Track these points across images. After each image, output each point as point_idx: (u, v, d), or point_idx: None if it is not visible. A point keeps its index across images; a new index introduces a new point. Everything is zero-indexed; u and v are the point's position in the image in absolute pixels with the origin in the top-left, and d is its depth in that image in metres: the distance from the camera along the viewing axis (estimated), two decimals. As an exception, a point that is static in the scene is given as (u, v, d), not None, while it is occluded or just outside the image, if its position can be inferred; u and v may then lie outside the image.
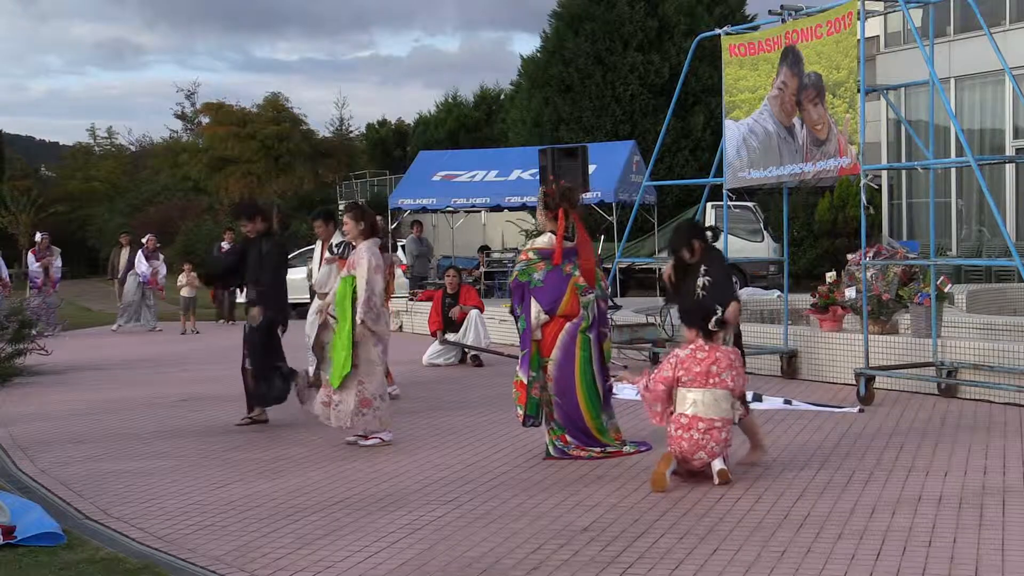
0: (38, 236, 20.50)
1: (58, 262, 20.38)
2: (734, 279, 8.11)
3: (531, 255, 7.63)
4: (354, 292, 8.06)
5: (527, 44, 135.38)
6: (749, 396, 9.66)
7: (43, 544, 5.64)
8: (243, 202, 9.78)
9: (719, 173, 11.67)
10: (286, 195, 46.49)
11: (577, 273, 7.53)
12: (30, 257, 19.65)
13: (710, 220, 21.12)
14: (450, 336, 13.44)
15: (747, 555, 5.25)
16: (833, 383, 10.78)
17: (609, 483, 6.80)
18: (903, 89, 19.31)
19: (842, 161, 10.00)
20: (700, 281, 7.50)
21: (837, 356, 10.88)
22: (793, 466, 7.12)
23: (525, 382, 7.50)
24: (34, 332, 12.68)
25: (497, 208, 22.14)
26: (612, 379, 7.65)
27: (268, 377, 9.05)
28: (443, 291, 13.84)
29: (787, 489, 6.43)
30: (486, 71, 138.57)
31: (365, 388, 8.06)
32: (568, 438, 7.55)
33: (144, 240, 20.45)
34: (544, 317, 7.46)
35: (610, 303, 14.85)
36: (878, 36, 25.06)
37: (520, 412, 7.59)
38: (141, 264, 19.67)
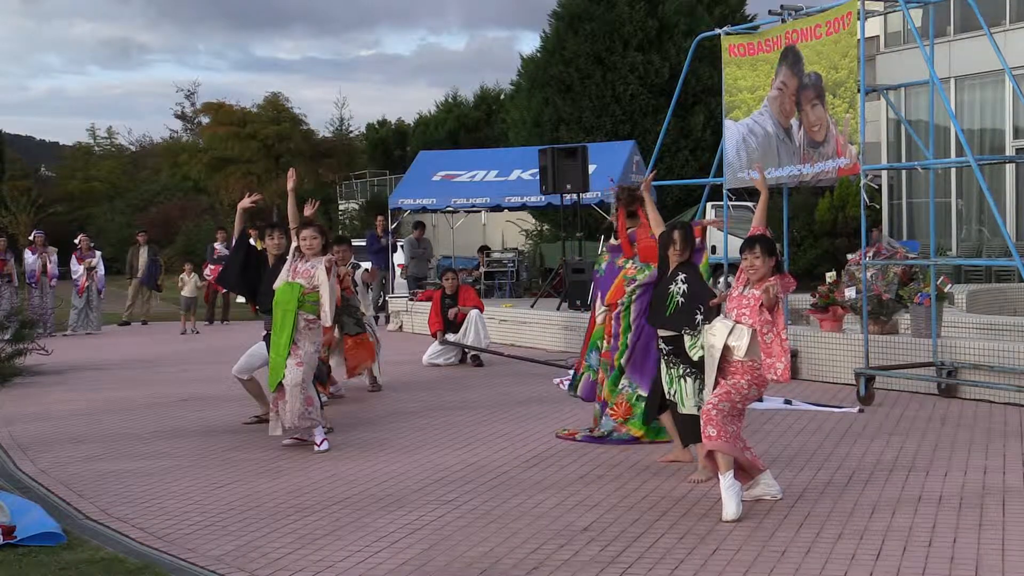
0: (78, 239, 20.42)
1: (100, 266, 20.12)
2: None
3: (603, 248, 8.59)
4: (301, 297, 8.09)
5: (533, 43, 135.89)
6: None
7: (43, 544, 5.64)
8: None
9: (719, 173, 11.67)
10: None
11: (628, 265, 8.14)
12: (27, 254, 19.58)
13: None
14: (450, 336, 13.44)
15: (747, 555, 5.26)
16: (833, 383, 10.78)
17: (609, 483, 6.80)
18: (903, 89, 19.30)
19: (840, 162, 10.00)
20: (678, 287, 6.91)
21: (837, 356, 10.88)
22: (793, 466, 7.12)
23: (581, 360, 8.51)
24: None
25: (497, 208, 22.08)
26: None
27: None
28: (442, 292, 13.83)
29: (787, 489, 6.43)
30: (491, 70, 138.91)
31: (307, 387, 8.11)
32: (596, 423, 8.25)
33: (77, 240, 20.30)
34: (602, 307, 8.21)
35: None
36: (878, 36, 25.05)
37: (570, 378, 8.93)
38: (76, 267, 19.57)
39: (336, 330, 10.36)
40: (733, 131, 11.25)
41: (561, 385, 11.14)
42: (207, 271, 20.43)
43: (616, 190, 8.59)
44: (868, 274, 10.53)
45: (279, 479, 7.18)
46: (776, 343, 6.07)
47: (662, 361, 7.13)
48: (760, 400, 9.58)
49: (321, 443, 8.09)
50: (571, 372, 11.27)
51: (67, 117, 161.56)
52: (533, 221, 30.15)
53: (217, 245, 20.85)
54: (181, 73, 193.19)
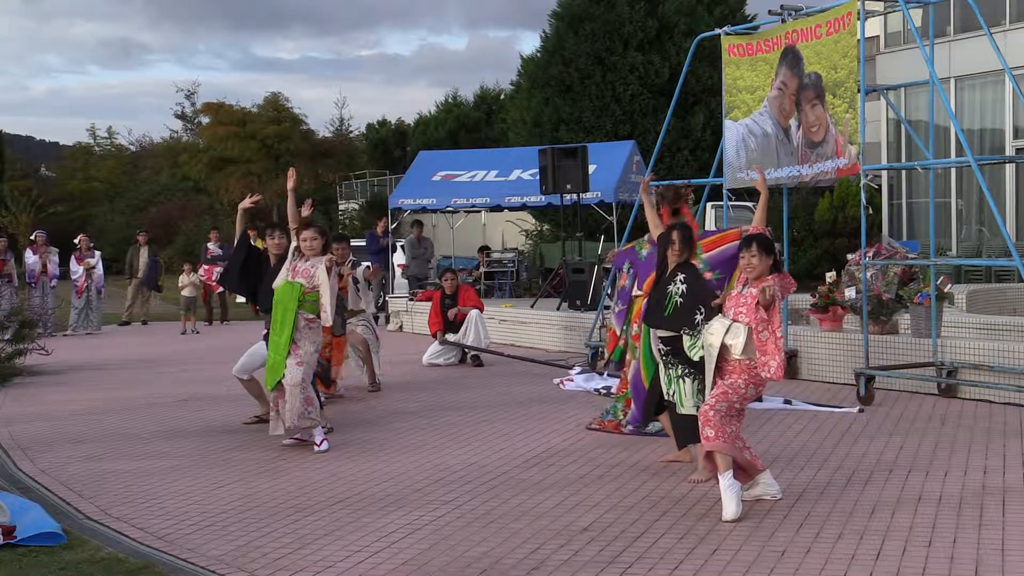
0: (78, 239, 20.46)
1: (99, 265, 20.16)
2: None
3: (646, 238, 8.48)
4: (301, 296, 8.11)
5: (533, 43, 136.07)
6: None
7: (43, 544, 5.65)
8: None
9: (719, 173, 11.66)
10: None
11: None
12: (28, 254, 19.57)
13: (710, 220, 21.13)
14: (450, 336, 13.44)
15: (747, 555, 5.26)
16: (833, 383, 10.78)
17: (609, 483, 6.80)
18: (903, 89, 19.31)
19: (839, 162, 10.00)
20: (677, 288, 6.90)
21: (837, 356, 10.88)
22: (793, 466, 7.12)
23: (617, 333, 8.41)
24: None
25: (497, 208, 22.06)
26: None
27: None
28: (442, 292, 13.83)
29: (787, 489, 6.43)
30: (491, 70, 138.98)
31: (307, 387, 8.10)
32: (631, 408, 8.12)
33: (76, 241, 20.31)
34: (638, 292, 8.14)
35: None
36: (878, 36, 25.06)
37: (607, 356, 8.93)
38: (75, 268, 19.60)
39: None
40: (733, 131, 11.25)
41: (562, 385, 11.13)
42: (200, 271, 20.39)
43: (661, 188, 8.67)
44: (868, 274, 10.53)
45: (279, 479, 7.18)
46: (771, 341, 6.08)
47: (660, 361, 7.13)
48: (759, 400, 9.60)
49: (321, 443, 8.09)
50: (576, 369, 11.91)
51: (67, 117, 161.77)
52: (533, 221, 30.14)
53: (210, 245, 20.85)
54: (181, 73, 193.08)
